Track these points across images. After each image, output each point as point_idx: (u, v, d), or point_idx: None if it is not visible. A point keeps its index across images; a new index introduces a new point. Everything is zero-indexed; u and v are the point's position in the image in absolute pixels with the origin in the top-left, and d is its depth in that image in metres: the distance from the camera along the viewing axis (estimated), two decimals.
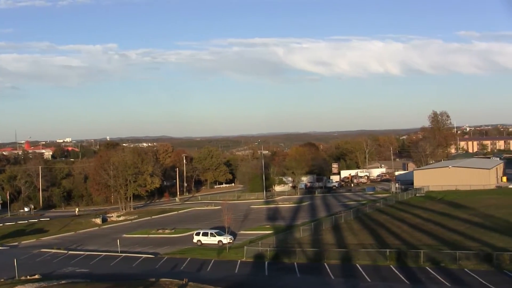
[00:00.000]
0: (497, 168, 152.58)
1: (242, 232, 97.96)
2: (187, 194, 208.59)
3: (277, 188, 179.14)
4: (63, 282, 58.69)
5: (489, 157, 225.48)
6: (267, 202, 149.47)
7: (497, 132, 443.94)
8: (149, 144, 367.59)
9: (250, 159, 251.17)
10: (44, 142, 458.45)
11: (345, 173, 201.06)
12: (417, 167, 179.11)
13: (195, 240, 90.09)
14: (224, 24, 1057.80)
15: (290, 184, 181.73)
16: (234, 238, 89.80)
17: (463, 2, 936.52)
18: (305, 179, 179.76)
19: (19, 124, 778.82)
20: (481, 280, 53.43)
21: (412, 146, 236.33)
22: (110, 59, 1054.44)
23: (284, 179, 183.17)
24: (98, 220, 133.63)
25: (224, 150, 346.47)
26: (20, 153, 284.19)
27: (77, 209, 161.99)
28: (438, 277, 55.81)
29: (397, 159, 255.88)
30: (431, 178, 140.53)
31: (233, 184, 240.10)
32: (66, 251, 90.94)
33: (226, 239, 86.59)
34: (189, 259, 75.72)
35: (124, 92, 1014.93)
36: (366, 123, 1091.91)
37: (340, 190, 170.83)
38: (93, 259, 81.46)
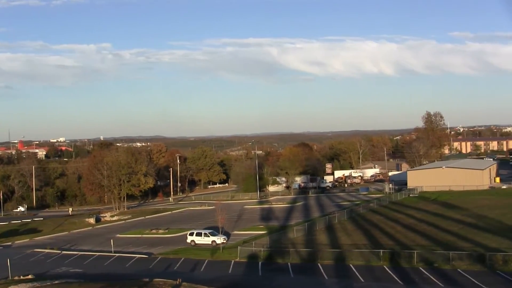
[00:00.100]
0: (490, 168, 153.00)
1: (235, 232, 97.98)
2: (180, 194, 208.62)
3: (271, 188, 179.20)
4: (56, 282, 58.63)
5: (482, 158, 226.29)
6: (260, 202, 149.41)
7: (491, 133, 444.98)
8: (143, 144, 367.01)
9: (244, 159, 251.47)
10: (37, 142, 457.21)
11: (338, 174, 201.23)
12: (411, 168, 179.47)
13: (188, 240, 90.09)
14: (218, 24, 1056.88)
15: (284, 184, 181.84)
16: (228, 238, 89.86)
17: (457, 3, 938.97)
18: (299, 179, 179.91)
19: (13, 124, 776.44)
20: (474, 280, 53.60)
21: (406, 147, 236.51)
22: (104, 59, 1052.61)
23: (278, 179, 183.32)
24: (92, 220, 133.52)
25: (218, 150, 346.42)
26: (13, 152, 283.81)
27: (70, 209, 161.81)
28: (431, 277, 55.96)
29: (391, 160, 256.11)
30: (424, 179, 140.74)
31: (226, 184, 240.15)
32: (59, 251, 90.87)
33: (219, 239, 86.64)
34: (182, 259, 75.76)
35: (118, 92, 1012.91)
36: (360, 123, 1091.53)
37: (333, 191, 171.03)
38: (87, 259, 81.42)
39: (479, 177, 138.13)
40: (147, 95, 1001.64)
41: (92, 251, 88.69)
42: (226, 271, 66.47)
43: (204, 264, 71.51)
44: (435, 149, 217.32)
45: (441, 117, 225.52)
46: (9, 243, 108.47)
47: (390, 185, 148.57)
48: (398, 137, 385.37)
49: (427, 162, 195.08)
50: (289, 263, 67.65)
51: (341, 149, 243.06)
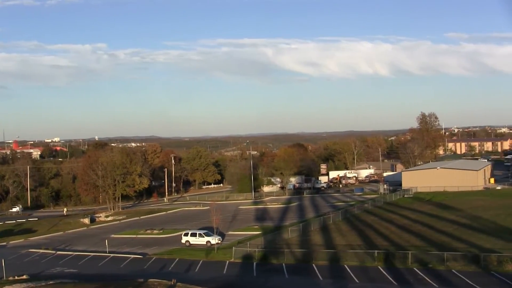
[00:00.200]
0: (485, 169, 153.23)
1: (230, 232, 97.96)
2: (175, 194, 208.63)
3: (266, 188, 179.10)
4: (51, 282, 58.54)
5: (477, 159, 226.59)
6: (255, 203, 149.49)
7: (485, 133, 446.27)
8: (138, 144, 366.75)
9: (238, 159, 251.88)
10: (32, 142, 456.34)
11: (333, 174, 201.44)
12: (406, 168, 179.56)
13: (183, 241, 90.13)
14: (213, 24, 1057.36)
15: (279, 185, 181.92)
16: (223, 239, 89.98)
17: (452, 4, 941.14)
18: (293, 180, 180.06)
19: (7, 124, 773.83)
20: (468, 281, 53.67)
21: (401, 147, 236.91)
22: (99, 59, 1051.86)
23: (272, 180, 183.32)
24: (87, 220, 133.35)
25: (212, 151, 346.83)
26: (8, 152, 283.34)
27: (65, 209, 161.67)
28: (426, 278, 56.01)
29: (386, 160, 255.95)
30: (419, 179, 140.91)
31: (221, 184, 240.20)
32: (54, 251, 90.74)
33: (214, 240, 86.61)
34: (177, 259, 75.74)
35: (112, 92, 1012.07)
36: (355, 124, 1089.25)
37: (328, 191, 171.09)
38: (82, 259, 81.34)
39: (473, 178, 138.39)
40: (142, 95, 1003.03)
41: (87, 252, 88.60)
42: (220, 271, 66.45)
43: (199, 265, 71.47)
44: (429, 149, 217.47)
45: (436, 117, 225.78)
46: (4, 243, 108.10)
47: (385, 185, 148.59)
48: (393, 138, 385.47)
49: (421, 162, 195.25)
50: (283, 264, 67.62)
51: (336, 149, 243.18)
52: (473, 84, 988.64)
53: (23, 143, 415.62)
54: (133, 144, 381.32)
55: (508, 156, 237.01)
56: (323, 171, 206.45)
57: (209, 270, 67.59)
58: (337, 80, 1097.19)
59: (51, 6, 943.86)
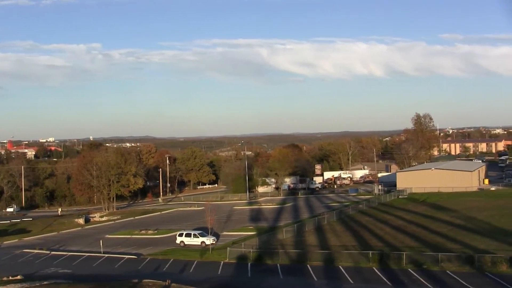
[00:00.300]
0: (479, 170, 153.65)
1: (225, 233, 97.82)
2: (170, 194, 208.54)
3: (260, 189, 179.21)
4: (45, 283, 58.45)
5: (471, 160, 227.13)
6: (250, 203, 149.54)
7: (480, 134, 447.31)
8: (132, 144, 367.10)
9: (233, 160, 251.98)
10: (27, 142, 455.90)
11: (328, 175, 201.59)
12: (400, 169, 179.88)
13: (178, 241, 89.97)
14: (208, 24, 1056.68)
15: (273, 185, 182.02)
16: (217, 239, 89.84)
17: (446, 5, 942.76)
18: (288, 180, 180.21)
19: (2, 124, 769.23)
20: (462, 282, 53.75)
21: (395, 148, 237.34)
22: (94, 59, 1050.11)
23: (267, 180, 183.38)
24: (81, 221, 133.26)
25: (207, 151, 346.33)
26: (2, 152, 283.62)
27: (60, 209, 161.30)
28: (420, 279, 56.08)
29: (380, 161, 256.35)
30: (413, 180, 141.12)
31: (216, 185, 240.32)
32: (48, 252, 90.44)
33: (209, 240, 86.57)
34: (172, 260, 75.64)
35: (107, 92, 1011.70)
36: (350, 124, 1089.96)
37: (323, 192, 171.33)
38: (76, 259, 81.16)
39: (468, 178, 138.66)
40: (137, 95, 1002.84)
41: (81, 252, 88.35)
42: (215, 272, 66.38)
43: (194, 265, 71.38)
44: (424, 150, 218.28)
45: (431, 118, 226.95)
46: None
47: (380, 186, 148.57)
48: (387, 139, 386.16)
49: (416, 163, 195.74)
50: (278, 264, 67.59)
51: (331, 150, 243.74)
52: (467, 85, 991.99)
53: (17, 143, 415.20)
54: (128, 144, 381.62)
55: (502, 157, 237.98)
56: (317, 171, 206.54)
57: (203, 271, 67.50)
58: (332, 80, 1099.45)
59: (46, 6, 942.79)
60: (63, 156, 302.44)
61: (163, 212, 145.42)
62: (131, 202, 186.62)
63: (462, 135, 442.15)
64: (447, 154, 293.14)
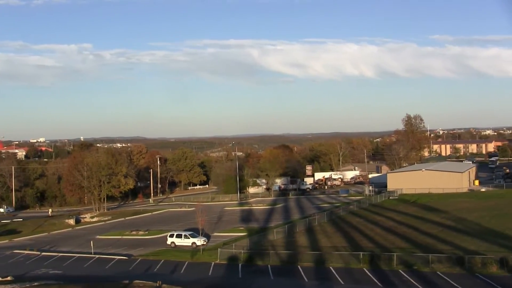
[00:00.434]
0: (469, 171, 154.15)
1: (216, 234, 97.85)
2: (161, 195, 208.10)
3: (251, 190, 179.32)
4: (36, 284, 58.33)
5: (461, 161, 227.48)
6: (241, 204, 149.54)
7: (470, 135, 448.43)
8: (123, 145, 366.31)
9: (224, 160, 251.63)
10: (17, 142, 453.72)
11: (319, 176, 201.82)
12: (391, 170, 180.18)
13: (169, 242, 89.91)
14: (199, 25, 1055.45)
15: (264, 186, 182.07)
16: (208, 240, 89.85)
17: (437, 6, 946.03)
18: (279, 181, 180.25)
19: None
20: (453, 283, 54.02)
21: (386, 149, 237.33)
22: (84, 59, 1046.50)
23: (258, 181, 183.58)
24: (72, 221, 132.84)
25: (198, 152, 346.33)
26: None
27: (50, 210, 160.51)
28: (411, 280, 56.31)
29: (371, 162, 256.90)
30: (404, 181, 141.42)
31: (207, 185, 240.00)
32: (39, 253, 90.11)
33: (200, 241, 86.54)
34: (162, 261, 75.61)
35: (98, 92, 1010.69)
36: (340, 125, 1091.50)
37: (314, 193, 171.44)
38: (67, 260, 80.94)
39: (458, 179, 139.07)
40: (128, 96, 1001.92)
41: (72, 253, 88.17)
42: (206, 273, 66.42)
43: (184, 266, 71.39)
44: (415, 151, 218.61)
45: (421, 119, 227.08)
46: None
47: (370, 187, 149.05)
48: (378, 140, 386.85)
49: (407, 164, 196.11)
50: (269, 265, 67.65)
51: (321, 151, 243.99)
52: (458, 86, 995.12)
53: (8, 143, 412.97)
54: (119, 145, 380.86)
55: (493, 158, 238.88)
56: (308, 172, 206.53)
57: (194, 272, 67.54)
58: (322, 81, 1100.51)
59: (37, 6, 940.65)
60: (54, 157, 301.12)
61: (154, 212, 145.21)
62: (122, 203, 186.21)
63: (453, 136, 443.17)
64: (437, 155, 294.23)
